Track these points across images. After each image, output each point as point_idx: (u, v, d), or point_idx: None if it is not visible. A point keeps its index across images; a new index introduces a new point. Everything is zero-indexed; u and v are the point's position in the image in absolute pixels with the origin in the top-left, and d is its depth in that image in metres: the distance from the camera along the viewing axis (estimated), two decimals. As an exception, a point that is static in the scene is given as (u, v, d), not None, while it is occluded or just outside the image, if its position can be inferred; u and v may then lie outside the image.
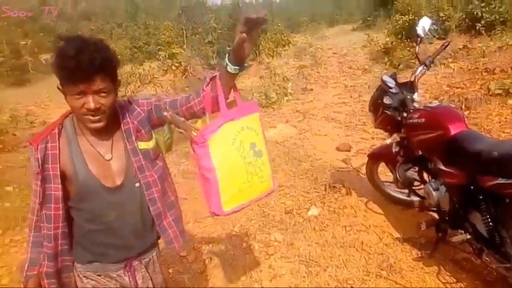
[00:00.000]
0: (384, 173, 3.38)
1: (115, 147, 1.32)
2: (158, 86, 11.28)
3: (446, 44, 2.76)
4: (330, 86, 8.86)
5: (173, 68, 12.70)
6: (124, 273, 1.41)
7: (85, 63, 1.10)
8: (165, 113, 1.30)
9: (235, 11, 14.96)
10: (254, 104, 1.40)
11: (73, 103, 1.18)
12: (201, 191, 1.29)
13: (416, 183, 2.78)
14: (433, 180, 2.44)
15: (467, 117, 4.69)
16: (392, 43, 9.78)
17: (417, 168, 2.72)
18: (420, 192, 2.72)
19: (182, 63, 12.53)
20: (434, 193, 2.35)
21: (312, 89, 8.64)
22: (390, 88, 2.60)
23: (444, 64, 7.40)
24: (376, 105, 2.82)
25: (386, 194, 3.21)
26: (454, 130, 2.20)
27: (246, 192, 1.32)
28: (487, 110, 4.96)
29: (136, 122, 1.33)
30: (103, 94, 1.18)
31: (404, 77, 6.31)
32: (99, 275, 1.40)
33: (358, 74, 9.78)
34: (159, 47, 17.32)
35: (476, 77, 6.40)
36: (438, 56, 2.85)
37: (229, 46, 13.23)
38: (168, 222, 1.45)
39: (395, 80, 2.69)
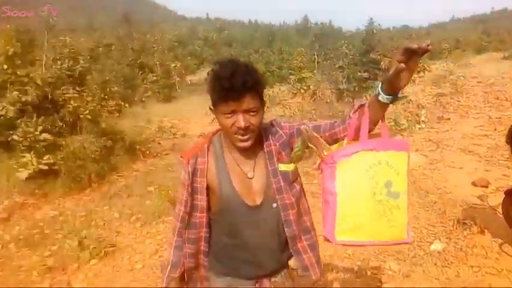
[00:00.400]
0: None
1: (257, 167, 1.36)
2: (286, 108, 11.70)
3: None
4: (471, 117, 8.14)
5: (302, 91, 13.08)
6: None
7: (238, 84, 1.17)
8: (302, 126, 1.28)
9: (368, 37, 14.79)
10: (403, 142, 1.26)
11: (224, 122, 1.24)
12: (320, 211, 1.24)
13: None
14: None
15: None
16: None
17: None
18: None
19: (311, 87, 12.82)
20: None
21: (449, 118, 8.03)
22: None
23: None
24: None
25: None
26: None
27: (368, 231, 1.19)
28: None
29: (278, 144, 1.35)
30: (252, 113, 1.23)
31: None
32: None
33: (506, 106, 8.76)
34: (290, 71, 18.03)
35: None
36: None
37: (360, 72, 13.11)
38: (303, 246, 1.45)
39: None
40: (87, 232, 4.24)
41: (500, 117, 7.64)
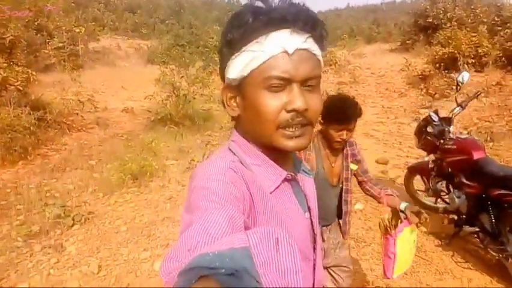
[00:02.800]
0: (416, 184, 4.25)
1: (337, 161, 2.11)
2: (206, 87, 11.93)
3: (478, 93, 3.68)
4: (368, 105, 9.63)
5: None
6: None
7: (350, 114, 1.93)
8: (382, 218, 1.98)
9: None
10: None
11: (332, 134, 1.97)
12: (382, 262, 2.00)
13: (442, 193, 3.67)
14: (456, 190, 3.33)
15: (490, 148, 5.51)
16: (429, 71, 10.51)
17: (445, 182, 3.61)
18: (445, 199, 3.61)
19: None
20: (456, 200, 3.25)
21: (351, 106, 9.47)
22: (434, 121, 3.52)
23: (477, 99, 8.17)
24: (421, 132, 3.73)
25: (417, 200, 4.09)
26: (476, 156, 3.09)
27: (406, 266, 1.97)
28: (508, 144, 5.75)
29: (350, 152, 2.11)
30: (350, 133, 1.97)
31: (439, 106, 7.14)
32: None
33: (394, 97, 10.54)
34: (207, 49, 18.42)
35: (505, 113, 7.17)
36: (473, 89, 3.76)
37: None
38: (348, 220, 2.20)
39: (438, 115, 3.60)
40: (53, 201, 4.57)
41: (390, 107, 9.33)
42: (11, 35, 7.31)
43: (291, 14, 0.74)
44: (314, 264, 0.90)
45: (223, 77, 0.83)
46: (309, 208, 0.92)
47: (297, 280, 0.46)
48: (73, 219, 4.04)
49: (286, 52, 0.74)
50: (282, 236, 0.49)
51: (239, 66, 0.76)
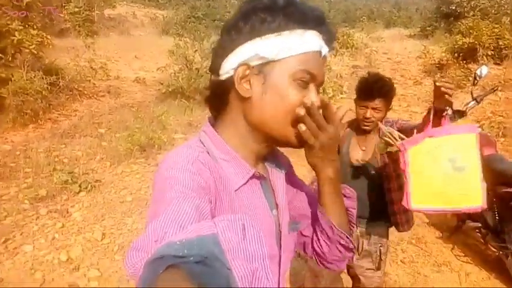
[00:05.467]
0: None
1: (369, 144, 2.01)
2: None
3: (495, 88, 3.57)
4: (381, 91, 9.53)
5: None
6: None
7: (372, 91, 1.85)
8: (381, 126, 1.76)
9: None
10: (471, 127, 1.57)
11: (358, 111, 1.92)
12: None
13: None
14: (463, 185, 3.30)
15: (501, 144, 5.43)
16: (447, 60, 10.28)
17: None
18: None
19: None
20: (462, 194, 3.22)
21: (365, 91, 9.38)
22: (448, 113, 3.46)
23: (492, 93, 8.00)
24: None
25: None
26: (486, 152, 3.05)
27: (439, 199, 1.49)
28: (521, 141, 5.67)
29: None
30: (375, 112, 1.87)
31: (454, 97, 7.00)
32: None
33: (409, 84, 10.37)
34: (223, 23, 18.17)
35: (520, 108, 7.03)
36: (490, 82, 3.67)
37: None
38: (399, 210, 1.99)
39: (451, 107, 3.53)
40: (61, 167, 4.64)
41: (404, 95, 9.19)
42: (28, -4, 7.26)
43: (326, 22, 0.78)
44: (280, 261, 0.89)
45: (228, 50, 0.77)
46: (276, 205, 0.90)
47: (265, 265, 0.45)
48: (80, 186, 4.10)
49: (320, 53, 0.77)
50: (248, 222, 0.49)
51: (275, 47, 0.73)
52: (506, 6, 13.40)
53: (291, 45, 0.73)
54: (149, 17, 27.21)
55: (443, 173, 1.46)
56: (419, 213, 3.80)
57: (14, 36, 6.81)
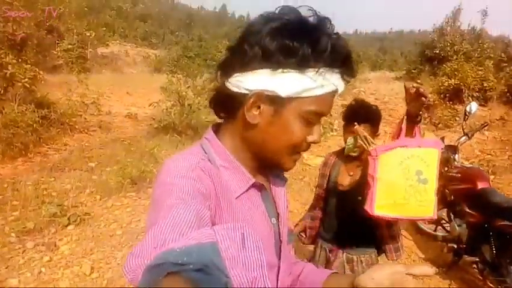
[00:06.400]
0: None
1: (357, 170, 2.01)
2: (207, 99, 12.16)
3: (485, 124, 3.70)
4: (370, 130, 9.68)
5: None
6: None
7: (363, 115, 1.88)
8: (356, 126, 1.75)
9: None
10: (435, 142, 1.58)
11: (345, 137, 1.94)
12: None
13: (442, 221, 3.65)
14: (457, 219, 3.30)
15: (492, 181, 5.49)
16: (434, 101, 10.55)
17: (446, 210, 3.59)
18: (446, 227, 3.59)
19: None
20: (457, 228, 3.22)
21: (353, 129, 9.52)
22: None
23: (480, 131, 8.20)
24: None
25: (416, 226, 4.06)
26: (480, 185, 3.08)
27: (400, 208, 1.52)
28: (510, 178, 5.74)
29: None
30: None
31: (443, 135, 7.15)
32: None
33: (397, 123, 10.58)
34: (214, 62, 18.60)
35: (507, 147, 7.18)
36: (476, 123, 3.77)
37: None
38: (388, 235, 2.01)
39: (443, 142, 3.60)
40: (50, 200, 4.53)
41: (392, 132, 9.34)
42: (23, 32, 7.37)
43: (352, 61, 0.77)
44: (278, 271, 0.88)
45: (247, 65, 0.73)
46: (277, 214, 0.90)
47: (263, 274, 0.46)
48: (69, 219, 3.99)
49: (335, 92, 0.76)
50: (248, 231, 0.49)
51: (295, 86, 0.71)
52: (488, 50, 13.97)
53: (312, 86, 0.72)
54: (142, 56, 27.69)
55: (409, 184, 1.49)
56: (413, 247, 3.80)
57: (7, 69, 6.85)
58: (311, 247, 2.33)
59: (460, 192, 3.26)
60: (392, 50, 38.05)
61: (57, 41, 18.32)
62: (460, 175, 3.26)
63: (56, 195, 4.95)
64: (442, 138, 3.70)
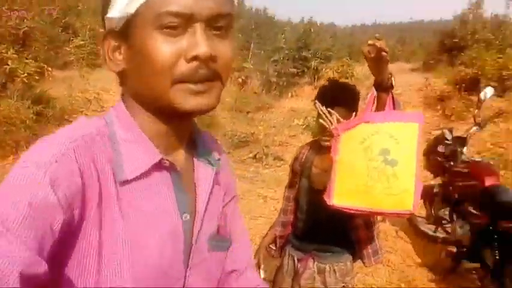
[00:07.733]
0: (418, 209, 3.88)
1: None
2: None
3: (499, 113, 3.33)
4: (383, 121, 9.30)
5: (233, 78, 13.46)
6: None
7: (336, 98, 1.58)
8: (316, 103, 1.49)
9: (305, 35, 15.51)
10: (415, 115, 1.31)
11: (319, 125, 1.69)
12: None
13: (444, 221, 3.30)
14: (460, 219, 2.96)
15: (502, 176, 5.06)
16: (448, 92, 10.05)
17: (448, 209, 3.24)
18: (447, 228, 3.24)
19: (243, 76, 13.22)
20: (459, 230, 2.88)
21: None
22: (447, 139, 3.17)
23: (494, 122, 7.69)
24: (430, 151, 3.37)
25: (414, 226, 3.72)
26: (487, 182, 2.74)
27: (364, 197, 1.23)
28: (522, 174, 5.30)
29: None
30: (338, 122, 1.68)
31: (455, 128, 6.74)
32: None
33: (409, 115, 10.14)
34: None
35: (521, 140, 6.70)
36: (491, 114, 3.42)
37: (291, 67, 13.80)
38: (363, 238, 1.79)
39: (452, 133, 3.25)
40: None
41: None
42: (26, 26, 7.26)
43: None
44: (184, 283, 0.65)
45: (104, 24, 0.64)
46: (195, 209, 0.68)
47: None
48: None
49: None
50: None
51: (122, 0, 0.56)
52: (511, 37, 13.34)
53: None
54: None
55: (372, 166, 1.20)
56: (410, 251, 3.47)
57: (7, 64, 6.75)
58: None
59: (465, 189, 2.93)
60: (411, 41, 36.97)
61: (71, 38, 18.38)
62: (466, 170, 2.94)
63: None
64: (450, 129, 3.34)
